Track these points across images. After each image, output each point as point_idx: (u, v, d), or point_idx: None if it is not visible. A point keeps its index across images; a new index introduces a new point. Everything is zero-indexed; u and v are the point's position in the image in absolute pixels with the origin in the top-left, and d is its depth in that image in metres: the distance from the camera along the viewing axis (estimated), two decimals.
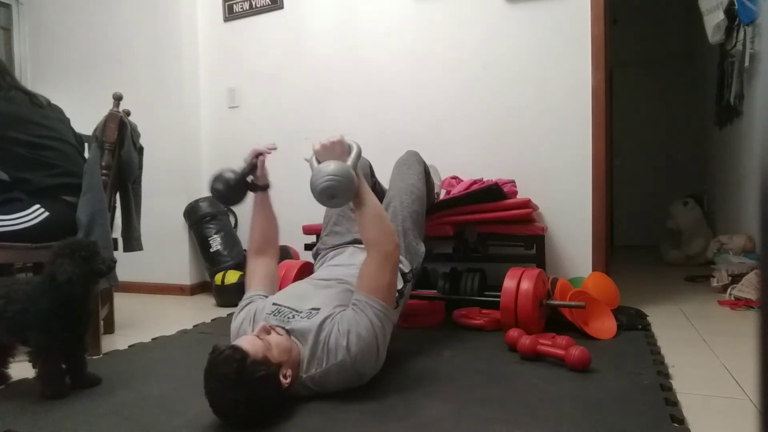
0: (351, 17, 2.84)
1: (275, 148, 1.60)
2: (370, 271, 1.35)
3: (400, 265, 1.60)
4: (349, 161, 1.36)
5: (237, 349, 1.11)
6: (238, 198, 1.55)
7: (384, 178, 2.10)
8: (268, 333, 1.23)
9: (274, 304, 1.40)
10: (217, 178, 1.51)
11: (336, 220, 1.90)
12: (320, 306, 1.34)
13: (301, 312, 1.34)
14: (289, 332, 1.29)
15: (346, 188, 1.29)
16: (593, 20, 2.34)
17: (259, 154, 1.58)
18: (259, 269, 1.58)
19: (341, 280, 1.52)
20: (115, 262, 1.48)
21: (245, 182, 1.55)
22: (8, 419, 1.24)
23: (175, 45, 3.10)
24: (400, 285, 1.55)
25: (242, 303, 1.49)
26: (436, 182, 2.33)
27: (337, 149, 1.39)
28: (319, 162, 1.37)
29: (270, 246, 1.63)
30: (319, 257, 1.84)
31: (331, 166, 1.29)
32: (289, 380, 1.20)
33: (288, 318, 1.33)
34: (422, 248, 1.78)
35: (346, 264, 1.64)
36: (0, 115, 1.75)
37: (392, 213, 1.79)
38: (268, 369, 1.13)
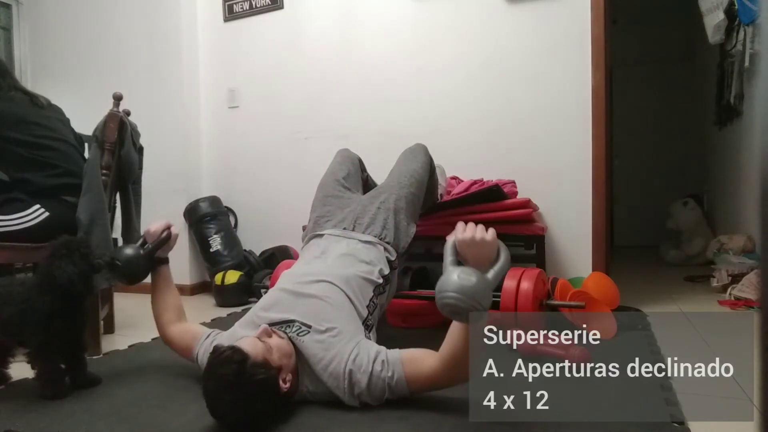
0: (350, 17, 2.84)
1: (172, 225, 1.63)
2: (424, 370, 1.23)
3: (387, 254, 1.61)
4: (491, 274, 1.09)
5: (237, 350, 1.10)
6: (146, 274, 1.56)
7: (383, 178, 2.09)
8: (269, 336, 1.21)
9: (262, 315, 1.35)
10: (125, 257, 1.47)
11: (323, 201, 1.84)
12: (311, 323, 1.28)
13: (293, 324, 1.30)
14: (290, 338, 1.26)
15: (473, 310, 1.06)
16: (593, 20, 2.34)
17: (169, 227, 1.59)
18: (190, 330, 1.50)
19: (324, 286, 1.43)
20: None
21: (153, 257, 1.56)
22: (8, 419, 1.24)
23: (175, 45, 3.09)
24: (386, 271, 1.56)
25: (204, 339, 1.42)
26: (442, 183, 2.32)
27: (485, 252, 1.12)
28: (457, 253, 1.14)
29: (183, 312, 1.58)
30: (304, 242, 1.78)
31: (470, 284, 1.03)
32: (288, 385, 1.18)
33: (285, 330, 1.29)
34: (413, 228, 1.77)
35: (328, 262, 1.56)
36: (0, 115, 1.75)
37: (387, 190, 1.79)
38: (268, 372, 1.11)
